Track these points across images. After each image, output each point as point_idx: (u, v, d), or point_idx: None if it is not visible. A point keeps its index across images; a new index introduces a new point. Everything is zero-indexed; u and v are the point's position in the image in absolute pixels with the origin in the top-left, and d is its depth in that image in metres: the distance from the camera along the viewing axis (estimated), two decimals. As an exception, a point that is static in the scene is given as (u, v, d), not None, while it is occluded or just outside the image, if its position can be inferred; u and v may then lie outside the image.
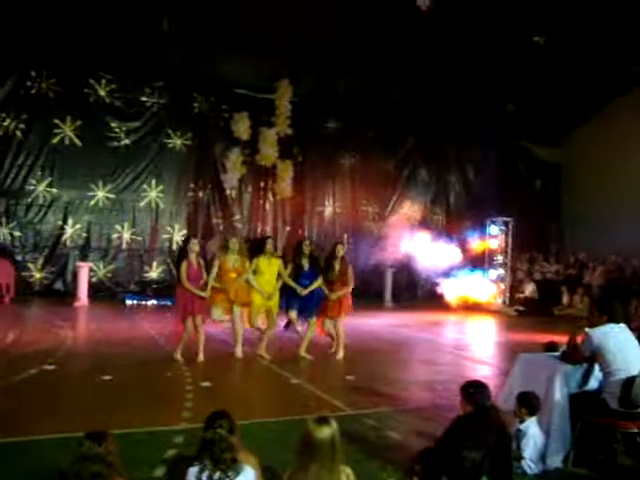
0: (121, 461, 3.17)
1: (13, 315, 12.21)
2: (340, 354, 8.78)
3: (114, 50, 15.04)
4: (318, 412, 3.27)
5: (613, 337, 4.56)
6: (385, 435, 5.22)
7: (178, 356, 8.17)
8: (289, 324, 8.85)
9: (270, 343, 8.81)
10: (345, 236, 18.53)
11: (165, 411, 5.67)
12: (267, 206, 18.59)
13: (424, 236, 17.94)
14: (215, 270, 8.38)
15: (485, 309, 17.34)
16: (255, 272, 8.55)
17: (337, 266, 8.70)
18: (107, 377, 6.90)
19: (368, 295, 18.25)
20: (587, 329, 4.74)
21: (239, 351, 8.54)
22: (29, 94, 15.60)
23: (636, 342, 4.64)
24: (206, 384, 6.81)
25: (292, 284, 8.50)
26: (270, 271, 8.59)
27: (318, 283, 8.59)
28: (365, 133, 19.08)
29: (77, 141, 16.10)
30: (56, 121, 15.88)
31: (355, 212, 19.59)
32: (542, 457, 4.50)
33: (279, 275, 8.64)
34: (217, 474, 3.04)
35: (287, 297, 8.67)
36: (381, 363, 9.13)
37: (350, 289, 8.85)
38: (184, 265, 8.06)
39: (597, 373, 4.81)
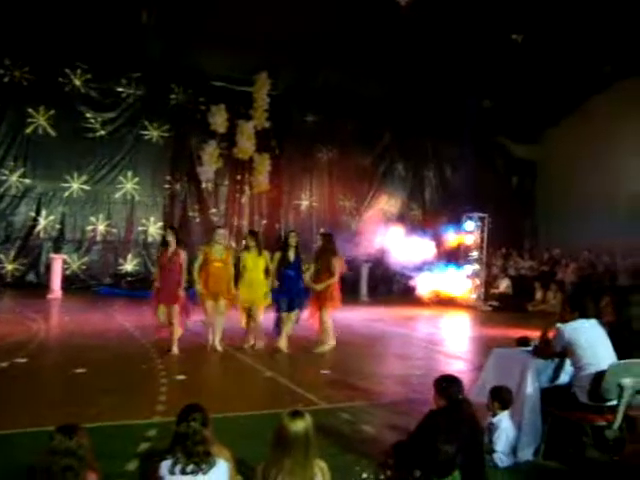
0: (93, 455, 3.14)
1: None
2: (323, 347, 8.70)
3: (90, 40, 14.86)
4: (292, 406, 3.27)
5: (584, 332, 4.63)
6: (359, 429, 5.24)
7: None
8: (279, 323, 8.76)
9: (246, 337, 8.80)
10: (321, 230, 18.50)
11: (139, 404, 5.63)
12: (243, 199, 18.53)
13: (400, 231, 18.01)
14: (200, 259, 8.45)
15: (460, 304, 17.47)
16: (244, 267, 8.57)
17: (292, 255, 8.67)
18: (80, 370, 6.83)
19: (344, 289, 18.27)
20: (559, 324, 4.80)
21: (219, 344, 8.49)
22: (2, 82, 15.38)
23: (606, 337, 4.71)
24: (180, 377, 6.78)
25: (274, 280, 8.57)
26: (257, 266, 8.58)
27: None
28: (343, 127, 19.10)
29: (51, 131, 15.91)
30: (30, 110, 15.66)
31: (332, 206, 19.61)
32: (513, 450, 4.56)
33: (267, 270, 8.64)
34: (190, 467, 3.04)
35: (274, 293, 8.65)
36: (356, 357, 9.16)
37: (335, 279, 8.73)
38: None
39: (568, 368, 4.89)
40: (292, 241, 8.74)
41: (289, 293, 8.59)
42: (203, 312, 8.61)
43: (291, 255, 8.69)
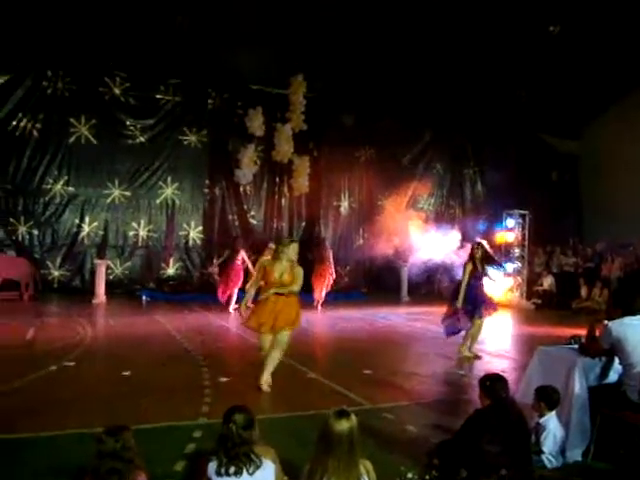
0: (141, 456, 3.20)
1: (32, 312, 12.33)
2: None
3: (128, 48, 15.12)
4: (336, 406, 3.27)
5: (632, 329, 4.52)
6: (403, 429, 5.22)
7: None
8: None
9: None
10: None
11: (184, 406, 5.70)
12: (283, 202, 18.62)
13: (440, 230, 17.84)
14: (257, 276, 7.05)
15: (502, 303, 17.22)
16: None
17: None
18: (126, 373, 6.96)
19: (384, 290, 18.29)
20: (606, 321, 4.70)
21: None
22: (45, 94, 15.73)
23: (656, 334, 4.59)
24: (224, 379, 6.84)
25: None
26: None
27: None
28: (380, 127, 18.95)
29: (93, 139, 16.23)
30: (72, 120, 16.02)
31: (371, 207, 19.55)
32: (562, 451, 4.48)
33: None
34: (232, 468, 3.07)
35: None
36: (398, 357, 9.14)
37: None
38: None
39: (617, 366, 4.77)
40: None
41: None
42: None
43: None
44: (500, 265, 9.93)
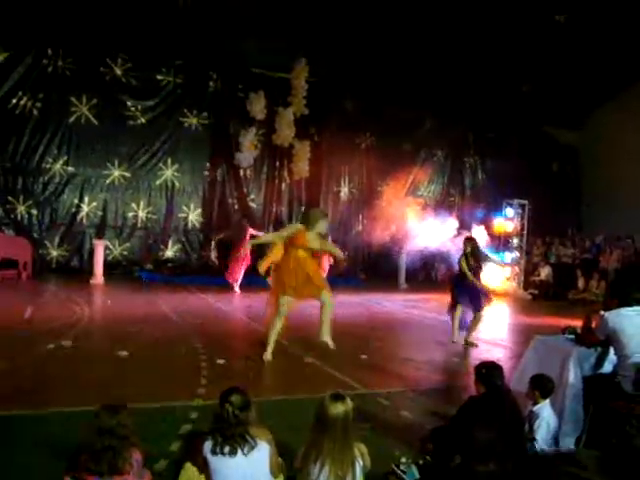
0: (137, 435, 3.22)
1: (31, 292, 12.37)
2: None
3: (130, 29, 14.97)
4: (332, 390, 3.29)
5: (629, 320, 4.54)
6: (398, 414, 5.26)
7: None
8: None
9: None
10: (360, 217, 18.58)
11: (181, 387, 5.73)
12: (283, 186, 18.60)
13: (437, 217, 17.84)
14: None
15: (499, 293, 17.26)
16: None
17: None
18: (124, 353, 6.98)
19: (382, 276, 18.33)
20: (602, 312, 4.72)
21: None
22: (45, 72, 15.62)
23: (652, 325, 4.61)
24: (221, 361, 6.86)
25: None
26: None
27: None
28: (382, 114, 18.89)
29: (93, 120, 16.16)
30: (72, 99, 15.93)
31: (370, 193, 19.54)
32: (555, 439, 4.51)
33: None
34: (227, 448, 3.10)
35: None
36: (395, 343, 9.19)
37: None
38: None
39: (612, 356, 4.80)
40: None
41: None
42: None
43: None
44: (490, 260, 9.99)
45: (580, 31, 15.73)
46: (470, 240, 9.27)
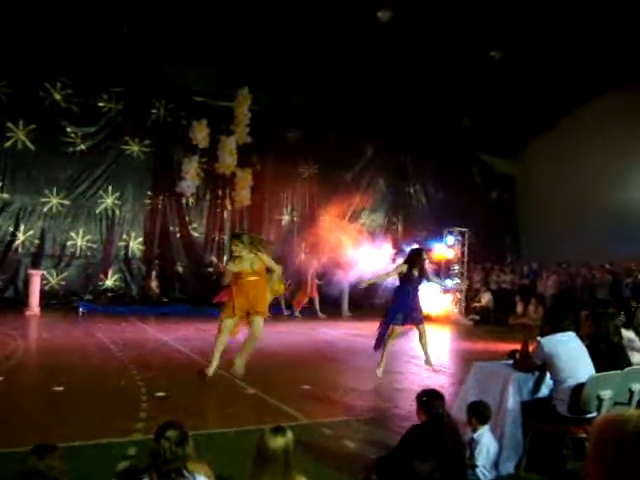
0: (71, 475, 3.09)
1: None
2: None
3: (71, 54, 14.82)
4: (274, 422, 3.25)
5: (563, 345, 4.66)
6: (341, 444, 5.22)
7: None
8: None
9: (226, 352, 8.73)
10: (302, 245, 18.65)
11: (118, 422, 5.55)
12: (225, 214, 18.49)
13: (381, 246, 18.02)
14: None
15: (441, 318, 17.51)
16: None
17: None
18: (59, 388, 6.73)
19: (326, 305, 18.32)
20: (539, 338, 4.83)
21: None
22: (-21, 96, 15.20)
23: (585, 350, 4.75)
24: (161, 394, 6.70)
25: None
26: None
27: None
28: (324, 143, 19.09)
29: (30, 145, 15.77)
30: (9, 124, 15.52)
31: (313, 222, 19.58)
32: (495, 464, 4.57)
33: None
34: None
35: None
36: (338, 372, 9.16)
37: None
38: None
39: (548, 381, 4.92)
40: None
41: None
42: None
43: None
44: (433, 281, 9.76)
45: (515, 66, 16.38)
46: (418, 251, 8.92)
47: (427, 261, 9.03)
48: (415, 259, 8.64)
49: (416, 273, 8.57)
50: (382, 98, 17.74)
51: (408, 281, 8.54)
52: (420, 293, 8.90)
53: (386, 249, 15.42)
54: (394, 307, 8.65)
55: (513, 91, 17.65)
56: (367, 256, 15.34)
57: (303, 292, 17.00)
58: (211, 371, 7.30)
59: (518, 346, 5.22)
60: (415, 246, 10.04)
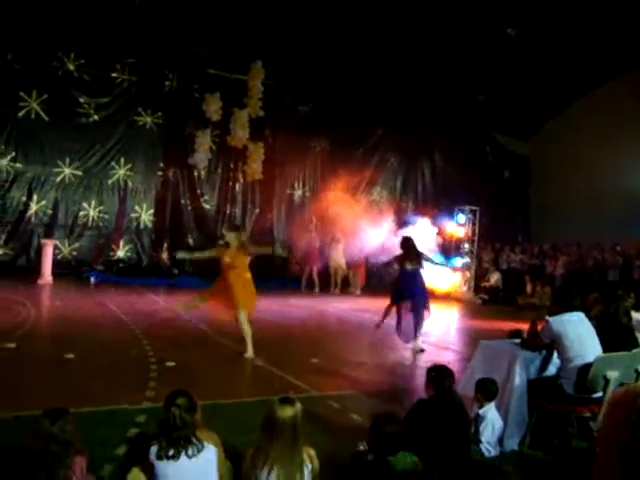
0: (80, 439, 3.16)
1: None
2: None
3: (85, 24, 14.68)
4: (282, 394, 3.30)
5: (571, 325, 4.68)
6: (349, 417, 5.28)
7: None
8: None
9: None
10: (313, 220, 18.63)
11: (128, 390, 5.63)
12: (237, 187, 18.48)
13: (393, 222, 17.96)
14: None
15: (450, 297, 17.53)
16: None
17: None
18: (70, 355, 6.82)
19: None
20: (547, 317, 4.85)
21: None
22: (-6, 65, 15.16)
23: (593, 331, 4.77)
24: (170, 364, 6.78)
25: None
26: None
27: None
28: (336, 118, 18.94)
29: (43, 115, 15.76)
30: (22, 94, 15.50)
31: (324, 195, 19.51)
32: (500, 440, 4.62)
33: None
34: (171, 451, 3.05)
35: None
36: (346, 347, 9.22)
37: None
38: None
39: (555, 360, 4.94)
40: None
41: None
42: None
43: None
44: (429, 260, 9.59)
45: (530, 45, 16.14)
46: (407, 242, 9.01)
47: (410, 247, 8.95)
48: (405, 253, 8.85)
49: (409, 267, 8.75)
50: (396, 74, 17.54)
51: (405, 270, 8.82)
52: (422, 279, 8.95)
53: (386, 224, 15.31)
54: (396, 291, 8.99)
55: (528, 71, 17.42)
56: (376, 233, 15.29)
57: (360, 272, 17.53)
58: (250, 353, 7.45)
59: (525, 326, 5.24)
60: (405, 234, 9.91)
